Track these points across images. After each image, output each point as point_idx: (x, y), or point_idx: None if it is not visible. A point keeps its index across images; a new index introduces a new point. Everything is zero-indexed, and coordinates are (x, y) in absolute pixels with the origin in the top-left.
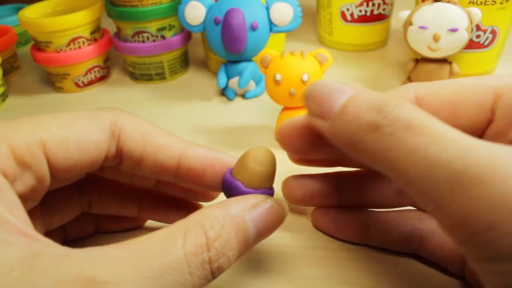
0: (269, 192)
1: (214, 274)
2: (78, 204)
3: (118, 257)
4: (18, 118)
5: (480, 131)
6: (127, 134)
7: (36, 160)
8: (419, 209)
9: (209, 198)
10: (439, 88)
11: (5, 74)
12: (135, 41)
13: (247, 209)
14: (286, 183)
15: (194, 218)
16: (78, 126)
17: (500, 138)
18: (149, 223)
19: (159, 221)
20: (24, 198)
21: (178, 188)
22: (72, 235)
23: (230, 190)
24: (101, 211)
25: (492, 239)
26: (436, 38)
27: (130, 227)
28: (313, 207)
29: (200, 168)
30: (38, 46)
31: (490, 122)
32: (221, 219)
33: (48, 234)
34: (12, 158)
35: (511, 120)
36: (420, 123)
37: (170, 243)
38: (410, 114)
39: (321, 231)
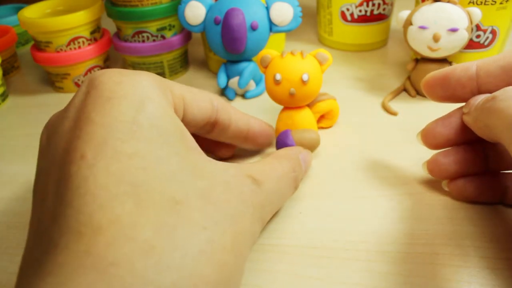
0: None
1: (297, 184)
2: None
3: (260, 168)
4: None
5: None
6: (221, 109)
7: (180, 108)
8: None
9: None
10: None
11: (5, 74)
12: (135, 41)
13: (299, 152)
14: (434, 160)
15: (281, 153)
16: (197, 94)
17: None
18: None
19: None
20: None
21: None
22: None
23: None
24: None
25: None
26: (436, 38)
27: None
28: (444, 181)
29: (259, 133)
30: (38, 46)
31: None
32: (292, 155)
33: None
34: (173, 102)
35: None
36: None
37: (276, 165)
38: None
39: (462, 200)
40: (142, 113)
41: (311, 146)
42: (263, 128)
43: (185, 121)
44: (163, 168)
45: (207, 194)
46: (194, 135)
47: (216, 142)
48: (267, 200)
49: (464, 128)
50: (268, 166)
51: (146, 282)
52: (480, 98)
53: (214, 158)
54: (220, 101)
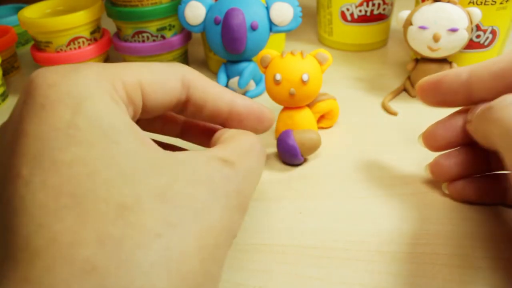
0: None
1: (265, 154)
2: None
3: (228, 146)
4: (117, 63)
5: None
6: (193, 85)
7: (137, 97)
8: None
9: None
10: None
11: (5, 74)
12: (135, 41)
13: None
14: (436, 162)
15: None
16: (161, 73)
17: None
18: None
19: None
20: None
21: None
22: None
23: (290, 151)
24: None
25: None
26: (436, 38)
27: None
28: (444, 183)
29: (245, 114)
30: (38, 46)
31: None
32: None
33: None
34: (125, 93)
35: None
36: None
37: (243, 138)
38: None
39: (462, 201)
40: (79, 115)
41: (312, 147)
42: (251, 109)
43: (148, 107)
44: (110, 171)
45: (165, 192)
46: (180, 123)
47: (205, 134)
48: (244, 182)
49: (465, 130)
50: (235, 142)
51: None
52: (480, 108)
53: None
54: (193, 76)
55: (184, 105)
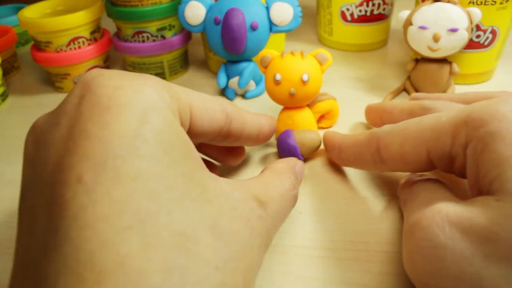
0: (303, 159)
1: (296, 201)
2: None
3: (263, 187)
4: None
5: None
6: (235, 118)
7: (186, 118)
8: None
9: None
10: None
11: (5, 74)
12: (135, 41)
13: (295, 165)
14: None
15: (279, 167)
16: (210, 102)
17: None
18: None
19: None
20: None
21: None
22: None
23: (290, 151)
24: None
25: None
26: (436, 38)
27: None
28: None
29: (268, 133)
30: (38, 46)
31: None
32: (291, 170)
33: None
34: (178, 110)
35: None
36: None
37: (277, 182)
38: None
39: None
40: (146, 126)
41: (312, 147)
42: (272, 128)
43: (192, 133)
44: (170, 194)
45: (216, 225)
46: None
47: (223, 150)
48: (272, 224)
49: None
50: (270, 185)
51: None
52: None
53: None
54: (233, 108)
55: (224, 137)
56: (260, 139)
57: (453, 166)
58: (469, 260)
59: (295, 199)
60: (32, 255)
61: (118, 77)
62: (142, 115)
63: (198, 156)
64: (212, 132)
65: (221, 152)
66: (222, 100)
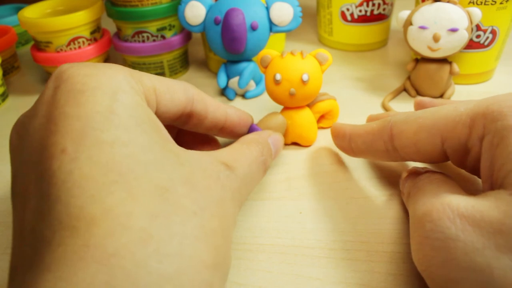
0: None
1: (266, 167)
2: None
3: (231, 154)
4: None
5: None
6: (196, 99)
7: (152, 101)
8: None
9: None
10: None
11: (5, 74)
12: (135, 41)
13: (268, 136)
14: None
15: (249, 138)
16: (170, 85)
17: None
18: None
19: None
20: None
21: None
22: None
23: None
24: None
25: None
26: (436, 38)
27: None
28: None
29: (237, 123)
30: (38, 46)
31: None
32: (260, 140)
33: None
34: (144, 94)
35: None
36: None
37: (246, 150)
38: None
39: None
40: (117, 103)
41: (279, 128)
42: (241, 118)
43: (158, 113)
44: (146, 155)
45: (190, 181)
46: (176, 130)
47: (198, 139)
48: (243, 183)
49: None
50: (238, 152)
51: (149, 271)
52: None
53: None
54: (195, 91)
55: (188, 116)
56: (228, 127)
57: (467, 158)
58: (480, 251)
59: (264, 165)
60: (29, 224)
61: (87, 67)
62: (112, 94)
63: (167, 132)
64: (176, 111)
65: (197, 144)
66: (184, 82)
